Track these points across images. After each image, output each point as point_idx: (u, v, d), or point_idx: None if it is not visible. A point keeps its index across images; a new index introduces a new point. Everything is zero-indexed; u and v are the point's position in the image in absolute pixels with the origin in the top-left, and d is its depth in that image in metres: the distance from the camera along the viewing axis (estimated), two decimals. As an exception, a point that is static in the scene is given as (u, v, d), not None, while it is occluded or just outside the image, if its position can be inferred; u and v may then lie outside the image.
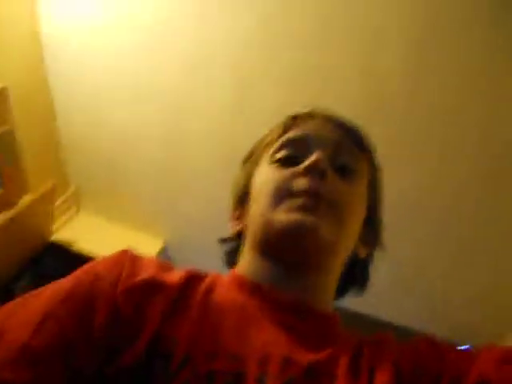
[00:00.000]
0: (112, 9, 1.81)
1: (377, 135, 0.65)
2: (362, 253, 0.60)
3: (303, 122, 0.60)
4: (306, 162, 0.52)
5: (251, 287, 0.53)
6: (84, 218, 2.56)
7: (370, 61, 1.60)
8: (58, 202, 2.37)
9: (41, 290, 0.46)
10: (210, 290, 0.51)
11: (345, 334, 0.53)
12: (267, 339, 0.47)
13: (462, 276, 1.95)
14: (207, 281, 0.52)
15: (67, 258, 2.33)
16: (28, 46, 1.96)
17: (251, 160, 0.63)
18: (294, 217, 0.49)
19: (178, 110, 1.97)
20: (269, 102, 1.76)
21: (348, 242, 0.55)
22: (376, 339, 0.51)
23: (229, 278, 0.56)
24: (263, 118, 1.68)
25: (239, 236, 0.61)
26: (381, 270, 0.65)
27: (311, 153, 0.54)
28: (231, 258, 0.63)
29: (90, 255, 2.37)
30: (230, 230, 0.63)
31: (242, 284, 0.53)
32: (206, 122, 1.95)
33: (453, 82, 1.56)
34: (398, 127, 1.69)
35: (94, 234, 2.46)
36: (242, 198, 0.61)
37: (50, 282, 0.48)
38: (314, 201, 0.50)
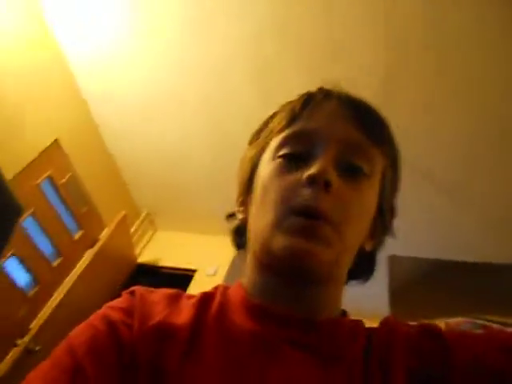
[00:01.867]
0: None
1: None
2: (369, 246, 0.56)
3: (313, 108, 0.55)
4: (310, 171, 0.49)
5: (262, 313, 0.52)
6: (162, 236, 2.73)
7: None
8: (134, 228, 2.51)
9: (60, 346, 0.47)
10: (221, 319, 0.51)
11: (355, 330, 0.53)
12: (288, 373, 0.47)
13: None
14: (216, 305, 0.53)
15: (157, 276, 2.48)
16: (71, 101, 2.15)
17: (257, 143, 0.60)
18: (293, 242, 0.48)
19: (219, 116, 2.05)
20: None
21: (353, 249, 0.53)
22: (383, 329, 0.52)
23: (237, 297, 0.55)
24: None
25: (244, 223, 0.59)
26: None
27: (317, 150, 0.51)
28: (238, 240, 0.62)
29: (178, 268, 2.53)
30: (236, 212, 0.62)
31: (252, 309, 0.53)
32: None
33: None
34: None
35: (176, 248, 2.62)
36: (247, 185, 0.59)
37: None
38: (313, 222, 0.48)
